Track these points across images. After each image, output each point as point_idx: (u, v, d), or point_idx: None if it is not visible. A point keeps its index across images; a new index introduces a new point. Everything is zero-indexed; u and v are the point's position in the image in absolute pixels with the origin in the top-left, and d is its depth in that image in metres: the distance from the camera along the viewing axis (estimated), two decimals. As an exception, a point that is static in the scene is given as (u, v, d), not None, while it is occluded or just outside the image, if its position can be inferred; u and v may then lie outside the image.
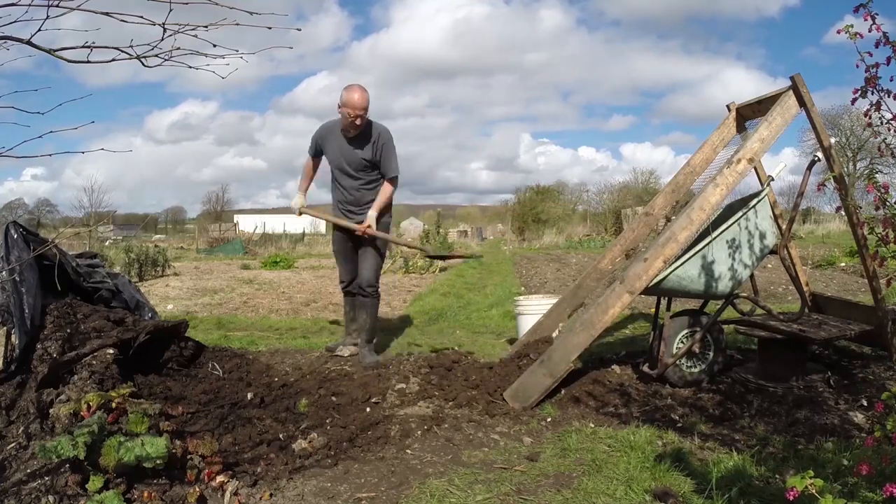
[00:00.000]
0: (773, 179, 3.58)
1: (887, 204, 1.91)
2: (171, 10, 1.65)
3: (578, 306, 4.16)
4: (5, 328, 2.87)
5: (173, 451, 2.20)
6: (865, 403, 3.04)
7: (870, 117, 2.00)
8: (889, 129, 2.00)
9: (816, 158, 3.36)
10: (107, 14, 1.60)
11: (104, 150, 1.97)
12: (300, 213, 4.54)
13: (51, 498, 1.99)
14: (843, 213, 3.42)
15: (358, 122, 3.98)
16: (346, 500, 2.27)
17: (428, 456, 2.67)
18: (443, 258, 4.41)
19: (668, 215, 4.15)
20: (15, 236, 3.05)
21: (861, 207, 3.90)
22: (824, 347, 4.04)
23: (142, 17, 1.64)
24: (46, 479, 2.06)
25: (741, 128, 4.06)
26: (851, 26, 1.99)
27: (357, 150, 4.13)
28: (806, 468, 1.72)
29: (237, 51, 1.79)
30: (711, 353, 3.50)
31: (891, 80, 1.96)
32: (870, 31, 1.95)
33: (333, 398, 3.34)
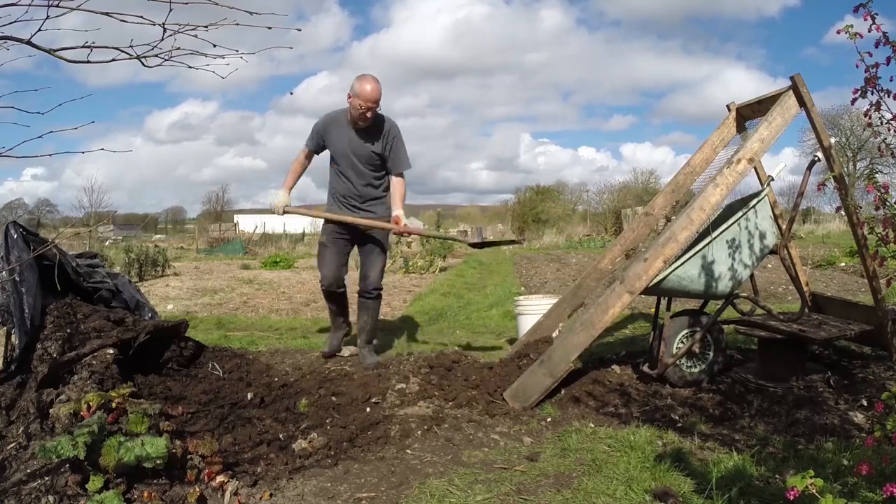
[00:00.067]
0: (773, 179, 3.58)
1: (887, 204, 1.92)
2: (171, 10, 1.66)
3: (578, 306, 4.16)
4: (5, 328, 2.87)
5: (173, 451, 2.20)
6: (865, 403, 3.04)
7: (870, 117, 2.00)
8: (889, 129, 2.00)
9: (816, 158, 3.36)
10: (107, 14, 1.60)
11: (104, 150, 1.97)
12: (283, 212, 4.11)
13: (51, 498, 1.99)
14: (843, 213, 3.42)
15: (369, 114, 3.86)
16: (346, 500, 2.27)
17: (428, 456, 2.67)
18: (488, 245, 4.33)
19: (668, 215, 4.15)
20: (15, 236, 3.05)
21: (861, 207, 3.90)
22: (824, 347, 4.04)
23: (142, 17, 1.64)
24: (46, 479, 2.06)
25: (741, 128, 4.06)
26: (851, 26, 1.99)
27: (367, 144, 3.99)
28: (806, 468, 1.72)
29: (237, 51, 1.79)
30: (711, 353, 3.50)
31: (891, 80, 1.96)
32: (870, 31, 1.96)
33: (333, 398, 3.34)
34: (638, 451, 2.52)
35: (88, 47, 1.63)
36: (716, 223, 3.48)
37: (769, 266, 9.37)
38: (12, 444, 2.30)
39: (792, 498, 1.50)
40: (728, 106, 4.11)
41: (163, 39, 1.69)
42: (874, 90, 1.97)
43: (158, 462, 2.10)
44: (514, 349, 3.92)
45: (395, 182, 4.10)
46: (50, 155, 1.93)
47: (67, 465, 2.07)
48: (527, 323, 4.41)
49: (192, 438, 2.40)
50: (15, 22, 1.60)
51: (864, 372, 3.56)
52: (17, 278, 2.89)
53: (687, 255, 3.21)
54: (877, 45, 1.95)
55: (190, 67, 1.78)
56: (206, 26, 1.69)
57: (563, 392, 3.39)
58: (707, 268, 3.22)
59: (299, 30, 1.95)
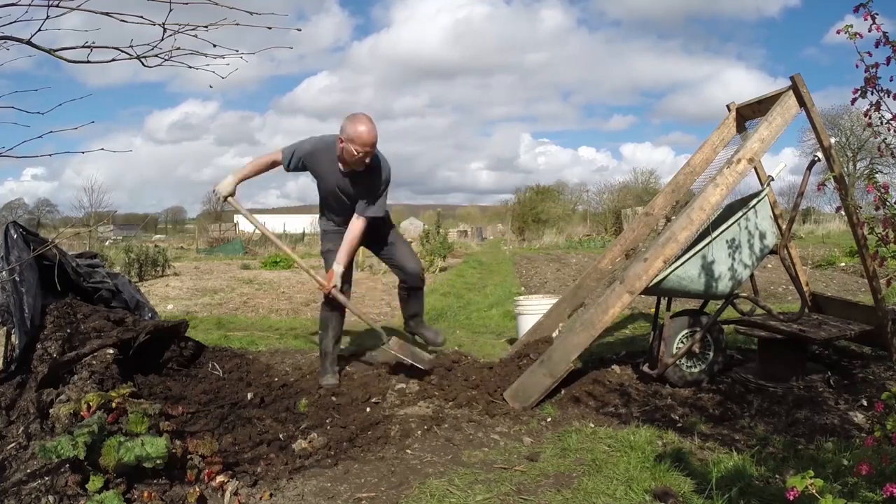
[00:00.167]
0: (773, 179, 3.58)
1: (887, 204, 1.91)
2: (171, 10, 1.66)
3: (578, 306, 4.16)
4: (5, 328, 2.87)
5: (173, 451, 2.20)
6: (865, 403, 3.04)
7: (870, 117, 2.00)
8: (889, 129, 2.00)
9: (816, 158, 3.36)
10: (107, 14, 1.60)
11: (104, 150, 1.97)
12: (224, 198, 3.65)
13: (51, 498, 1.99)
14: (843, 213, 3.42)
15: (368, 160, 3.44)
16: (346, 500, 2.27)
17: (428, 456, 2.67)
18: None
19: (668, 215, 4.15)
20: (15, 236, 3.05)
21: (861, 207, 3.90)
22: (824, 347, 4.04)
23: (142, 17, 1.64)
24: (46, 479, 2.06)
25: (741, 128, 4.06)
26: (851, 26, 1.99)
27: (358, 185, 3.58)
28: (806, 468, 1.72)
29: (237, 51, 1.79)
30: (711, 353, 3.50)
31: (891, 80, 1.96)
32: (870, 31, 1.96)
33: (333, 398, 3.34)
34: (638, 451, 2.52)
35: (88, 47, 1.63)
36: (716, 223, 3.48)
37: (769, 266, 9.37)
38: (12, 444, 2.30)
39: (792, 498, 1.50)
40: (728, 106, 4.11)
41: (163, 39, 1.69)
42: (874, 90, 1.97)
43: (158, 462, 2.10)
44: (514, 349, 3.92)
45: (353, 224, 3.57)
46: (50, 155, 1.93)
47: (67, 465, 2.07)
48: (527, 323, 4.41)
49: (192, 438, 2.40)
50: (15, 22, 1.60)
51: (864, 372, 3.56)
52: (17, 278, 2.89)
53: (687, 255, 3.21)
54: (877, 45, 1.95)
55: (190, 67, 1.79)
56: (206, 26, 1.69)
57: (563, 392, 3.39)
58: (707, 268, 3.22)
59: (299, 30, 1.95)
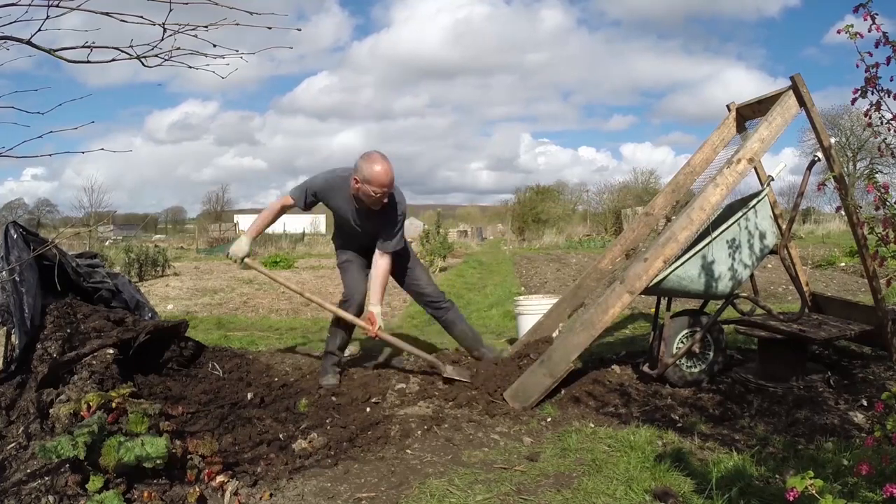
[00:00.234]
0: (773, 179, 3.58)
1: (887, 204, 1.91)
2: (171, 10, 1.66)
3: (578, 306, 4.16)
4: (5, 328, 2.87)
5: (173, 451, 2.20)
6: (865, 403, 3.04)
7: (870, 117, 2.00)
8: (889, 129, 2.00)
9: (816, 158, 3.36)
10: (107, 14, 1.60)
11: (104, 150, 1.98)
12: (241, 262, 3.67)
13: (51, 498, 1.99)
14: (843, 213, 3.42)
15: (386, 199, 3.46)
16: (346, 500, 2.27)
17: (428, 456, 2.67)
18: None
19: (668, 215, 4.15)
20: (15, 236, 3.05)
21: (861, 207, 3.90)
22: (824, 347, 4.04)
23: (142, 17, 1.64)
24: (46, 479, 2.06)
25: (741, 128, 4.06)
26: (851, 26, 1.99)
27: (375, 219, 3.61)
28: (806, 468, 1.72)
29: (237, 51, 1.79)
30: (711, 353, 3.50)
31: (891, 80, 1.96)
32: (870, 31, 1.96)
33: (333, 398, 3.34)
34: (638, 451, 2.52)
35: (88, 47, 1.63)
36: (716, 223, 3.48)
37: (769, 266, 9.37)
38: (12, 444, 2.30)
39: (792, 498, 1.50)
40: (728, 106, 4.11)
41: (163, 39, 1.69)
42: (874, 90, 1.97)
43: (158, 462, 2.10)
44: (514, 349, 3.92)
45: (379, 263, 3.63)
46: (50, 155, 1.93)
47: (67, 465, 2.07)
48: (527, 323, 4.41)
49: (192, 438, 2.40)
50: (15, 22, 1.60)
51: (864, 372, 3.56)
52: (17, 278, 2.89)
53: (687, 255, 3.21)
54: (877, 45, 1.95)
55: (190, 67, 1.79)
56: (206, 26, 1.69)
57: (563, 392, 3.39)
58: (707, 268, 3.22)
59: (299, 30, 1.95)
